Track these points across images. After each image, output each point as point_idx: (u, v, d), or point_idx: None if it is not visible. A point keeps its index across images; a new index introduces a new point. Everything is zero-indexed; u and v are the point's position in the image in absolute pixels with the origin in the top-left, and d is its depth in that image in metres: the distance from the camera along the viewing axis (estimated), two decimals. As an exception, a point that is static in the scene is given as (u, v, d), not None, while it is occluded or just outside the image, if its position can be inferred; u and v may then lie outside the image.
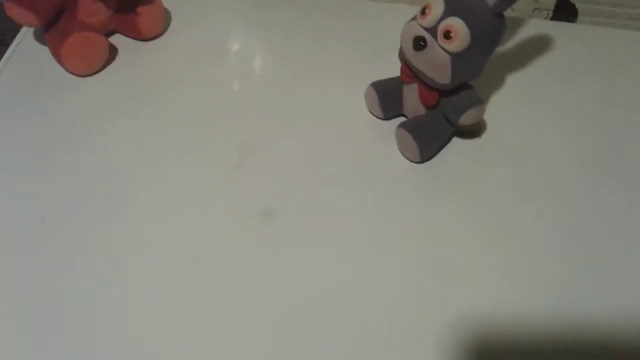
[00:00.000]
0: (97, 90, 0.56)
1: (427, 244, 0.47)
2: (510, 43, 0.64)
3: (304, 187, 0.50)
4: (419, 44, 0.46)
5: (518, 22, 0.67)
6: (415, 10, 0.48)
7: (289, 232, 0.47)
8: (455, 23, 0.44)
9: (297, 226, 0.47)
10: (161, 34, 0.61)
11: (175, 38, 0.62)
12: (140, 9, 0.58)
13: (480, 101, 0.49)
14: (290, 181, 0.50)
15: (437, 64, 0.46)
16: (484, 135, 0.55)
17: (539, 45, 0.65)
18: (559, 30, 0.67)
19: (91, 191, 0.48)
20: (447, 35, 0.45)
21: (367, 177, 0.51)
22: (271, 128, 0.55)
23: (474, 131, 0.54)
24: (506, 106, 0.58)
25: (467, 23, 0.44)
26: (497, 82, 0.60)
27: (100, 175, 0.50)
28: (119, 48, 0.60)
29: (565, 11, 0.77)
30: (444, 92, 0.49)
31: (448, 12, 0.45)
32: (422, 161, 0.52)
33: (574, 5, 0.76)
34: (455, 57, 0.46)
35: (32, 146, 0.51)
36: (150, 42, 0.61)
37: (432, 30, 0.46)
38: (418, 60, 0.47)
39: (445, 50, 0.45)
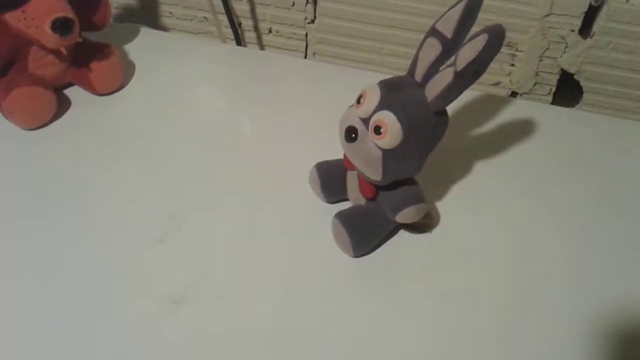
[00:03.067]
0: (37, 145, 0.55)
1: (350, 343, 0.42)
2: (491, 124, 0.59)
3: (225, 269, 0.46)
4: (350, 135, 0.42)
5: (504, 100, 0.62)
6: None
7: (196, 325, 0.43)
8: (387, 118, 0.40)
9: (206, 319, 0.43)
10: (117, 89, 0.60)
11: (134, 94, 0.60)
12: (93, 65, 0.57)
13: (420, 199, 0.45)
14: (210, 265, 0.47)
15: (367, 159, 0.42)
16: (435, 231, 0.50)
17: (524, 129, 0.60)
18: (542, 113, 0.62)
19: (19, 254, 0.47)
20: (377, 130, 0.40)
21: (294, 266, 0.47)
22: (211, 197, 0.51)
23: (421, 226, 0.50)
24: (469, 199, 0.52)
25: (399, 118, 0.40)
26: (464, 169, 0.55)
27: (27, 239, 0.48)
28: (74, 101, 0.59)
29: (568, 88, 0.72)
30: (382, 186, 0.45)
31: (383, 103, 0.41)
32: (356, 256, 0.47)
33: (578, 82, 0.70)
34: (387, 153, 0.41)
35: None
36: (106, 97, 0.59)
37: (367, 122, 0.42)
38: (350, 152, 0.43)
39: (377, 146, 0.41)
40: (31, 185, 0.52)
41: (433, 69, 0.41)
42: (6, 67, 0.54)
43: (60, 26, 0.50)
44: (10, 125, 0.55)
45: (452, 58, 0.40)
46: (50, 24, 0.50)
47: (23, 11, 0.50)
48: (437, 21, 0.41)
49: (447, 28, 0.40)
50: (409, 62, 0.44)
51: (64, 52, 0.54)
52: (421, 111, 0.41)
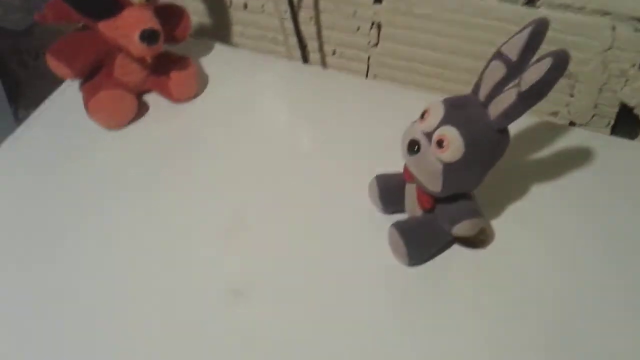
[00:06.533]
0: (116, 143, 0.59)
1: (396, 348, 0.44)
2: (549, 151, 0.60)
3: (282, 270, 0.49)
4: (413, 148, 0.44)
5: (565, 129, 0.63)
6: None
7: (254, 317, 0.46)
8: (449, 132, 0.42)
9: (264, 311, 0.46)
10: (192, 97, 0.64)
11: (206, 103, 0.64)
12: (173, 73, 0.61)
13: (477, 214, 0.47)
14: (268, 263, 0.50)
15: (428, 171, 0.44)
16: (489, 248, 0.51)
17: (582, 158, 0.60)
18: (603, 144, 0.62)
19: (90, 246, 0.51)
20: (439, 144, 0.43)
21: (348, 270, 0.49)
22: (272, 203, 0.55)
23: (477, 242, 0.51)
24: (525, 221, 0.54)
25: (462, 134, 0.42)
26: (522, 192, 0.56)
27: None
28: (151, 106, 0.63)
29: (627, 121, 0.72)
30: (440, 198, 0.47)
31: (446, 119, 0.43)
32: (410, 265, 0.49)
33: (637, 116, 0.71)
34: (448, 167, 0.43)
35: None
36: (181, 104, 0.63)
37: (429, 136, 0.44)
38: (411, 164, 0.46)
39: (438, 159, 0.43)
40: (109, 179, 0.56)
41: (497, 90, 0.43)
42: (94, 71, 0.59)
43: (148, 37, 0.55)
44: (94, 125, 0.60)
45: (517, 79, 0.42)
46: (139, 34, 0.54)
47: (115, 21, 0.55)
48: (503, 44, 0.43)
49: (513, 51, 0.42)
50: (468, 87, 0.46)
51: (149, 60, 0.59)
52: (483, 128, 0.43)
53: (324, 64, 0.82)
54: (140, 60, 0.59)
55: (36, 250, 0.50)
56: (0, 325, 0.45)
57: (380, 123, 0.62)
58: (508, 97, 0.42)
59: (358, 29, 0.76)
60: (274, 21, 0.78)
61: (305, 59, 0.78)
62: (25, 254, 0.50)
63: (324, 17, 0.77)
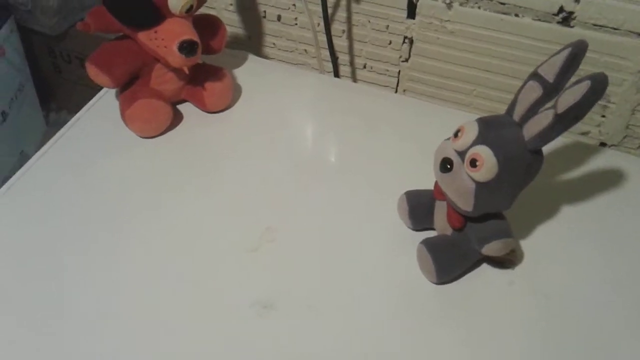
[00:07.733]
0: (151, 152, 0.60)
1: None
2: (579, 171, 0.60)
3: (310, 285, 0.50)
4: (445, 166, 0.45)
5: (596, 149, 0.63)
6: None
7: (281, 329, 0.46)
8: (483, 152, 0.43)
9: (291, 325, 0.47)
10: (226, 109, 0.65)
11: (239, 115, 0.65)
12: (208, 85, 0.62)
13: (507, 234, 0.47)
14: (297, 277, 0.50)
15: (460, 190, 0.44)
16: (517, 269, 0.51)
17: (613, 179, 0.60)
18: (633, 166, 0.62)
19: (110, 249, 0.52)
20: (473, 163, 0.43)
21: (376, 287, 0.49)
22: (301, 216, 0.55)
23: (505, 261, 0.51)
24: (554, 241, 0.54)
25: (496, 154, 0.42)
26: (551, 212, 0.56)
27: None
28: (185, 115, 0.64)
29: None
30: (470, 217, 0.47)
31: (480, 139, 0.43)
32: (438, 283, 0.49)
33: (670, 139, 0.70)
34: (481, 186, 0.44)
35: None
36: (214, 115, 0.64)
37: (462, 155, 0.44)
38: (443, 182, 0.46)
39: (471, 178, 0.44)
40: (141, 187, 0.57)
41: (532, 110, 0.43)
42: (132, 80, 0.60)
43: (187, 48, 0.56)
44: (129, 133, 0.61)
45: (553, 101, 0.42)
46: (178, 45, 0.55)
47: (155, 31, 0.56)
48: (539, 65, 0.44)
49: (550, 73, 0.42)
50: (498, 105, 0.46)
51: (186, 71, 0.60)
52: (517, 149, 0.43)
53: (353, 77, 0.83)
54: (178, 71, 0.60)
55: (61, 259, 0.51)
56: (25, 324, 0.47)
57: (409, 139, 0.63)
58: (544, 118, 0.42)
59: (390, 43, 0.77)
60: (306, 33, 0.79)
61: (336, 72, 0.79)
62: (51, 260, 0.51)
63: (356, 31, 0.78)
